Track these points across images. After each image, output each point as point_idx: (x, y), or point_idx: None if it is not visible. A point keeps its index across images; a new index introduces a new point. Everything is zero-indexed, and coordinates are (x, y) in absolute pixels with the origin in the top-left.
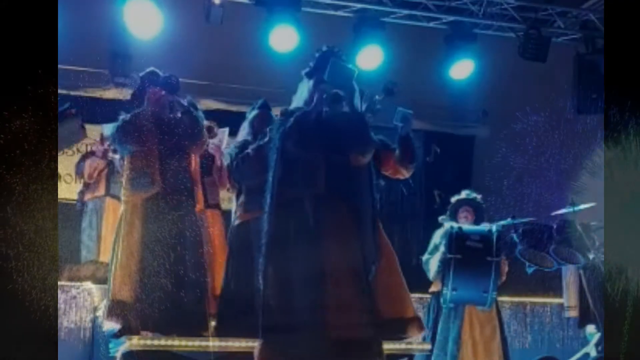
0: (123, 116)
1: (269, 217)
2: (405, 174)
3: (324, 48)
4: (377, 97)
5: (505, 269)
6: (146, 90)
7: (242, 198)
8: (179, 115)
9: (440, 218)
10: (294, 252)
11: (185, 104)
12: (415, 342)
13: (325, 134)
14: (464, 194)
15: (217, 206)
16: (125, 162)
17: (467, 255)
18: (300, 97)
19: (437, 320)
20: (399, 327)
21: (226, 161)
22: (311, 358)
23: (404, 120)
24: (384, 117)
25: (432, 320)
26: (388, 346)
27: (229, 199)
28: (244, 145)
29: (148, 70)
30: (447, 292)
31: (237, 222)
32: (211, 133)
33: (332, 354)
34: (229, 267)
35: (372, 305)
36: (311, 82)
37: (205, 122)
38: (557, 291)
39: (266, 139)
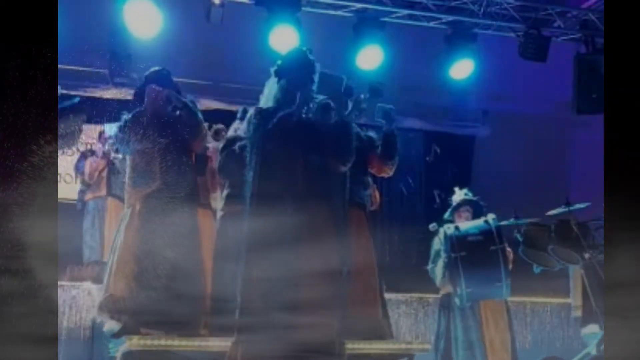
0: (125, 116)
1: (249, 215)
2: (388, 171)
3: (290, 47)
4: (362, 96)
5: (510, 256)
6: (145, 88)
7: (225, 192)
8: (178, 111)
9: (431, 226)
10: (273, 251)
11: (183, 98)
12: (415, 342)
13: (307, 137)
14: (462, 194)
15: (208, 205)
16: (128, 161)
17: (471, 251)
18: (269, 95)
19: (448, 321)
20: (365, 329)
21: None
22: (275, 358)
23: (385, 116)
24: (371, 115)
25: (445, 322)
26: (388, 346)
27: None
28: (232, 141)
29: (152, 69)
30: (463, 292)
31: (219, 215)
32: (218, 136)
33: (296, 353)
34: (213, 263)
35: (342, 306)
36: (284, 81)
37: (217, 125)
38: (560, 291)
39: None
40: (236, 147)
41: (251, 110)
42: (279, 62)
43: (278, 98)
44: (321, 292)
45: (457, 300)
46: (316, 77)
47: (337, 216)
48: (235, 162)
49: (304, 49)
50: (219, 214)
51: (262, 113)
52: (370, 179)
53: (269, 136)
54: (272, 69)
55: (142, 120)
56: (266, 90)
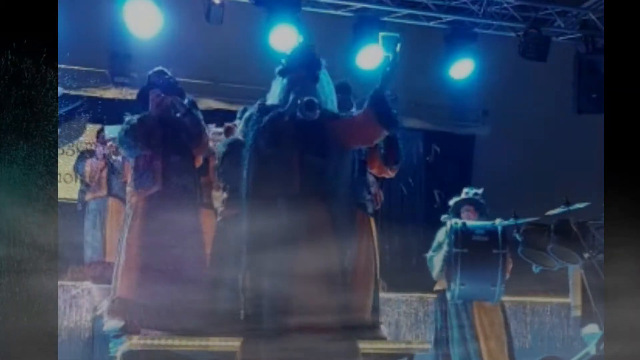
0: (128, 119)
1: (246, 216)
2: (390, 173)
3: (294, 45)
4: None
5: (509, 265)
6: (149, 92)
7: (224, 195)
8: (181, 116)
9: (443, 217)
10: (269, 252)
11: (187, 104)
12: (415, 342)
13: (300, 135)
14: (464, 193)
15: (210, 205)
16: (131, 163)
17: (474, 249)
18: (274, 95)
19: (445, 319)
20: (359, 329)
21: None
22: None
23: (389, 47)
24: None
25: (441, 320)
26: (388, 346)
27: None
28: (233, 145)
29: (155, 70)
30: (456, 288)
31: (219, 218)
32: (230, 132)
33: (304, 355)
34: (213, 264)
35: (347, 305)
36: (284, 81)
37: (228, 123)
38: (559, 290)
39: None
40: (236, 150)
41: (252, 108)
42: (283, 60)
43: (280, 97)
44: (321, 293)
45: (448, 295)
46: (322, 74)
47: (337, 217)
48: (236, 166)
49: (308, 45)
50: (218, 217)
51: (260, 110)
52: (371, 179)
53: (260, 134)
54: (277, 69)
55: (147, 124)
56: (272, 89)
